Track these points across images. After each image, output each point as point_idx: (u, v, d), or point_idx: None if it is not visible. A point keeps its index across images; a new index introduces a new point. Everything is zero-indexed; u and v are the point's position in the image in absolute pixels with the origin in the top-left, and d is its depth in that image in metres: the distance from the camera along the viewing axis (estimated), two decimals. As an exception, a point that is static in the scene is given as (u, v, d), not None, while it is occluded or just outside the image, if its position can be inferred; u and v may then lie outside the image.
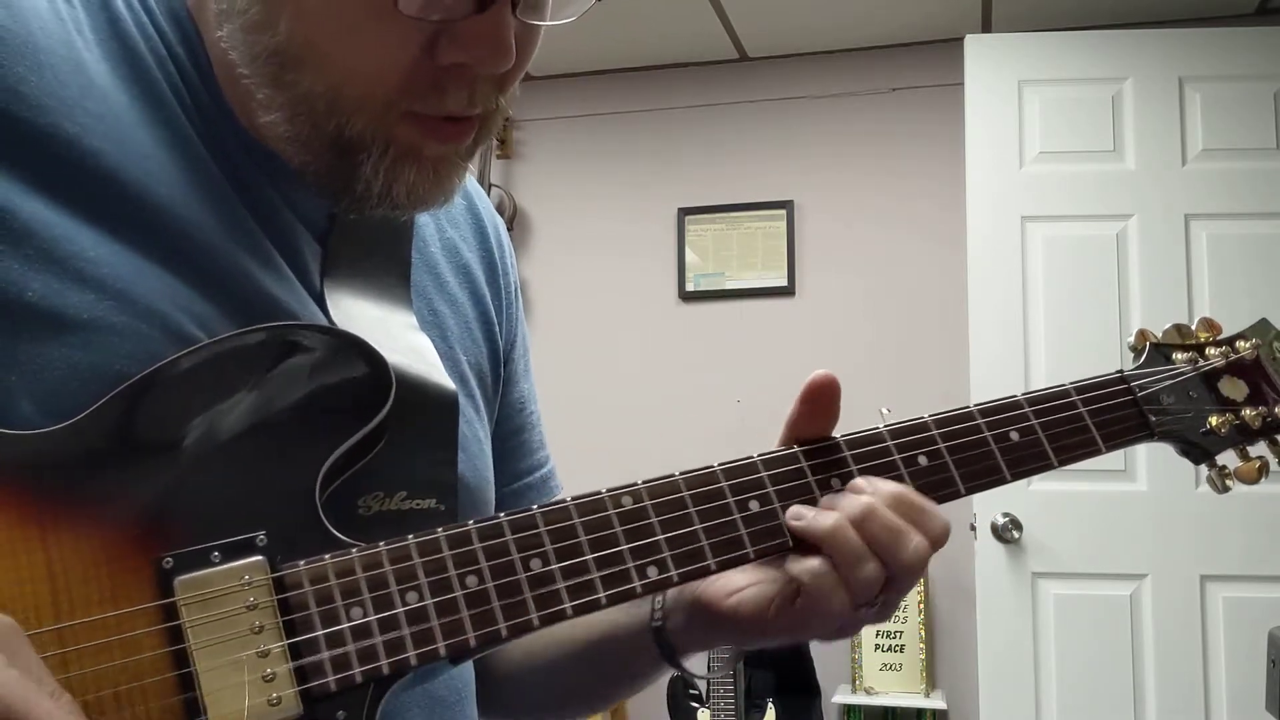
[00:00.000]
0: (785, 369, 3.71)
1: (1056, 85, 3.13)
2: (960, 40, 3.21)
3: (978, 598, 3.03)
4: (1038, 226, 3.09)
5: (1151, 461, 2.92)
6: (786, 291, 3.76)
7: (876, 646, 3.42)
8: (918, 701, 3.36)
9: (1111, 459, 2.95)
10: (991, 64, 3.15)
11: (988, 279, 3.08)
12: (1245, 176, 3.03)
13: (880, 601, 0.65)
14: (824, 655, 3.50)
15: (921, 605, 3.41)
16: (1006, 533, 2.97)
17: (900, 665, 3.40)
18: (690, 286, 3.84)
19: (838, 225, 3.76)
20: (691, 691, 3.47)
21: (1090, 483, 2.95)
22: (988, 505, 2.99)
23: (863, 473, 0.68)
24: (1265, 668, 1.95)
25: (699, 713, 3.41)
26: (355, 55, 0.60)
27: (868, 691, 3.38)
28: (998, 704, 2.97)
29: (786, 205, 3.78)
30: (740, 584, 0.68)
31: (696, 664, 0.77)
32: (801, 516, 0.65)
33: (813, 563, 0.64)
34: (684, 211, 3.86)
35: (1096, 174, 3.09)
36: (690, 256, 3.84)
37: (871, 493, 0.65)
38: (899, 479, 0.68)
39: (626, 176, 3.94)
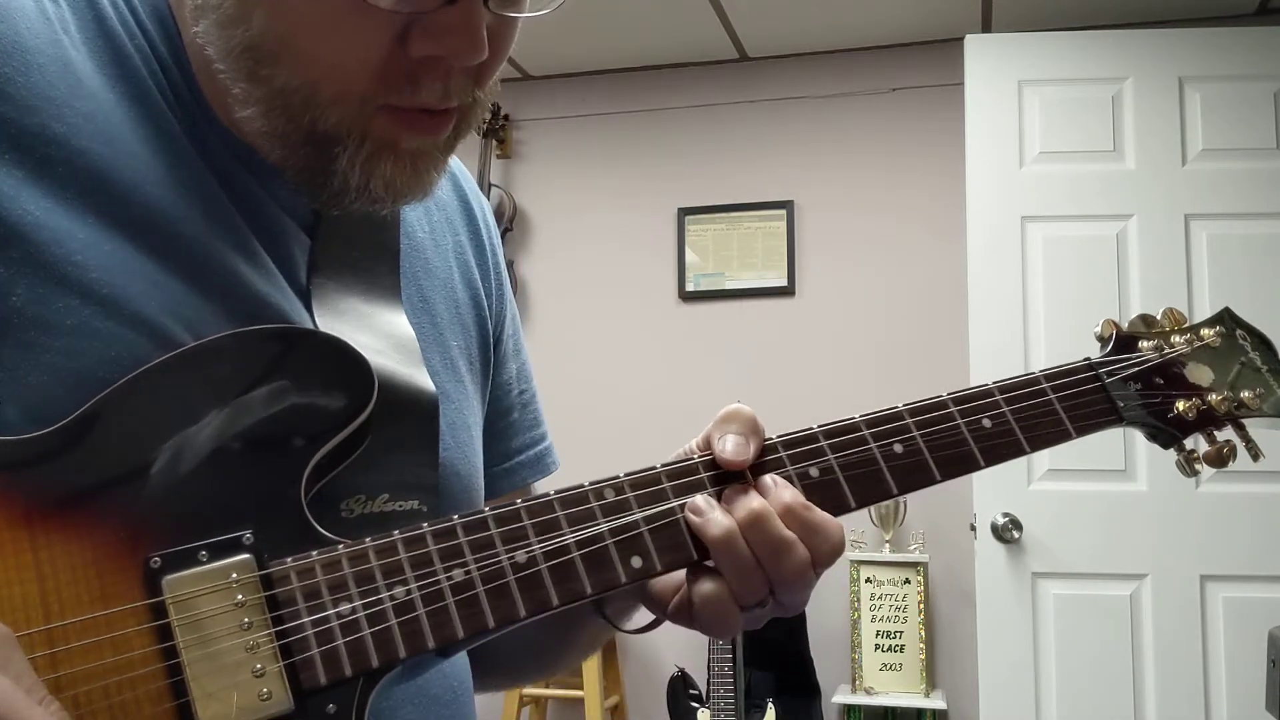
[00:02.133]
0: (785, 369, 3.71)
1: (1056, 85, 3.13)
2: (960, 40, 3.21)
3: (978, 598, 3.03)
4: (1038, 226, 3.09)
5: (1152, 461, 2.92)
6: (786, 291, 3.77)
7: (876, 646, 3.42)
8: (918, 701, 3.36)
9: (1111, 459, 2.95)
10: (991, 64, 3.15)
11: (988, 279, 3.09)
12: (1245, 176, 3.03)
13: (771, 603, 0.65)
14: (824, 655, 3.50)
15: (921, 605, 3.41)
16: (1006, 533, 2.97)
17: (900, 665, 3.40)
18: (690, 286, 3.84)
19: (838, 225, 3.76)
20: (691, 691, 3.47)
21: (1090, 483, 2.95)
22: (988, 505, 2.99)
23: (839, 462, 0.68)
24: (1265, 668, 1.95)
25: (699, 713, 3.41)
26: (329, 48, 0.60)
27: (868, 691, 3.38)
28: (998, 704, 2.97)
29: (786, 205, 3.78)
30: None
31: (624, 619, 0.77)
32: (700, 512, 0.64)
33: (706, 586, 0.64)
34: (684, 211, 3.86)
35: (1096, 174, 3.09)
36: (690, 256, 3.85)
37: (770, 498, 0.65)
38: (874, 464, 0.68)
39: (626, 176, 3.94)
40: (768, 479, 0.66)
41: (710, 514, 0.64)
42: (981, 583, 3.01)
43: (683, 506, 0.65)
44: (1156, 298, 3.00)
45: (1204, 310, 2.94)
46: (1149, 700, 2.90)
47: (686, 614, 0.67)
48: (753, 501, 0.64)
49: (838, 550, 0.65)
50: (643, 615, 0.73)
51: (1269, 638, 1.93)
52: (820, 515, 0.65)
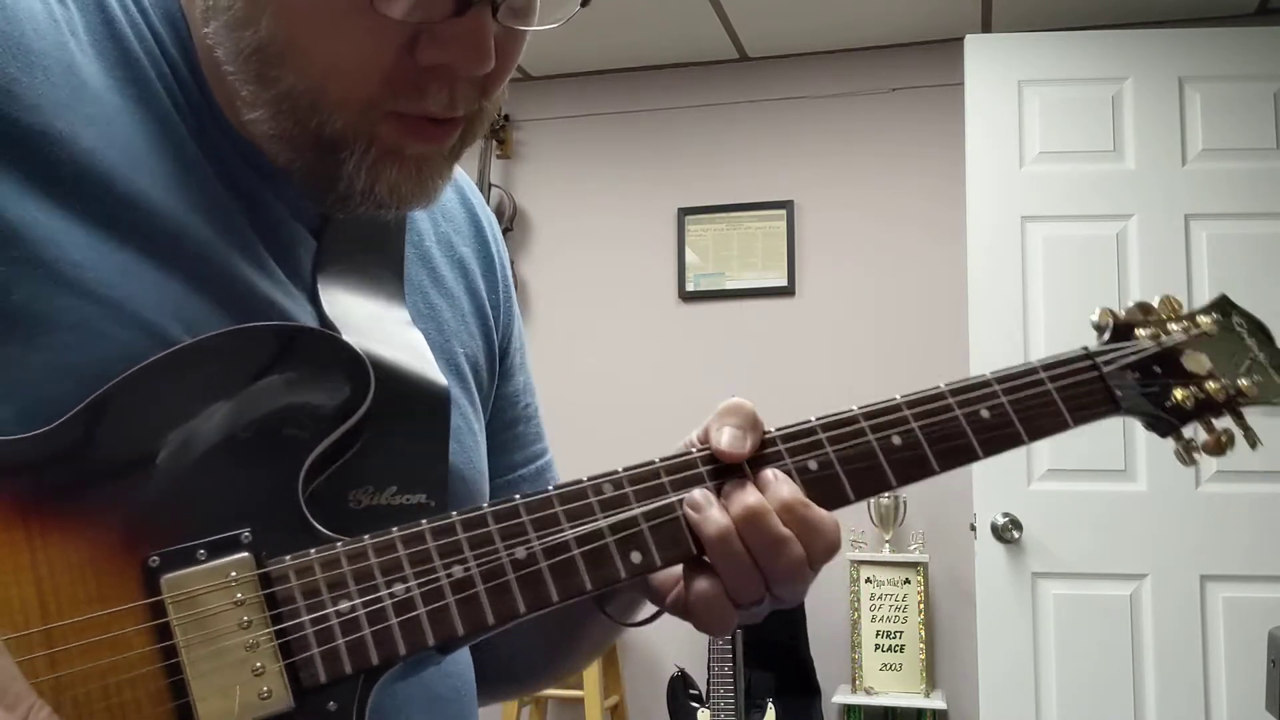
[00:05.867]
0: (785, 369, 3.71)
1: (1056, 85, 3.13)
2: (960, 40, 3.21)
3: (978, 598, 3.03)
4: (1038, 226, 3.09)
5: (1151, 461, 2.92)
6: (786, 291, 3.77)
7: (876, 646, 3.42)
8: (918, 701, 3.36)
9: (1111, 459, 2.94)
10: (991, 64, 3.15)
11: (988, 279, 3.09)
12: (1245, 176, 3.03)
13: (768, 599, 0.65)
14: (824, 655, 3.50)
15: (921, 605, 3.41)
16: (1006, 533, 2.97)
17: (900, 665, 3.40)
18: (690, 286, 3.84)
19: (838, 225, 3.76)
20: (692, 691, 3.47)
21: (1090, 483, 2.95)
22: (988, 505, 2.99)
23: (837, 454, 0.67)
24: (1265, 668, 1.95)
25: (699, 713, 3.41)
26: (336, 53, 0.60)
27: (868, 691, 3.38)
28: (998, 704, 2.97)
29: (786, 205, 3.78)
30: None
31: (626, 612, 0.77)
32: (698, 508, 0.64)
33: (702, 585, 0.64)
34: (684, 211, 3.86)
35: (1096, 174, 3.09)
36: (690, 256, 3.85)
37: (768, 494, 0.64)
38: (873, 456, 0.68)
39: (626, 176, 3.94)
40: (768, 473, 0.65)
41: (708, 510, 0.64)
42: (981, 583, 3.01)
43: (681, 502, 0.65)
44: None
45: (1204, 310, 2.95)
46: (1149, 700, 2.90)
47: (684, 609, 0.67)
48: (749, 498, 0.64)
49: (834, 548, 0.65)
50: (646, 608, 0.73)
51: (1269, 638, 1.93)
52: (817, 513, 0.64)
